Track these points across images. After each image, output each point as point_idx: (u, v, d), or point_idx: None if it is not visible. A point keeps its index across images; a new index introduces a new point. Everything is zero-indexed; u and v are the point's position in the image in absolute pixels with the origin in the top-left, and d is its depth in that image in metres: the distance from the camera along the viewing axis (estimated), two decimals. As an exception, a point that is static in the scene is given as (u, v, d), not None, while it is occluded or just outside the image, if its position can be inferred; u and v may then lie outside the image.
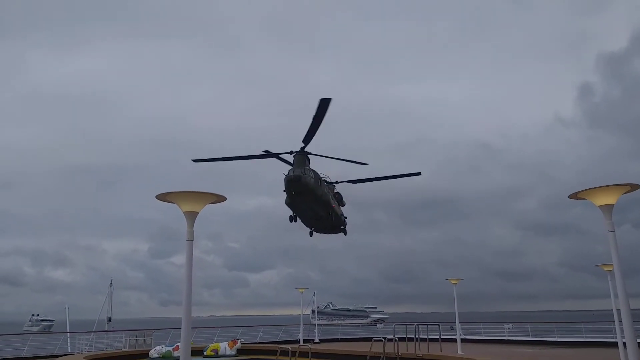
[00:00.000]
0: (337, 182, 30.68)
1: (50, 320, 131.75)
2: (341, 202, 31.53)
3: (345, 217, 31.80)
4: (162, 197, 10.34)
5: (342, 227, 31.27)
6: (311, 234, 30.57)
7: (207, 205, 11.59)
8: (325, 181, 29.05)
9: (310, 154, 25.82)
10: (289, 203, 25.44)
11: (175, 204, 10.60)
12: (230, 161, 26.19)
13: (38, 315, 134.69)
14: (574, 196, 8.43)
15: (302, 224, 29.14)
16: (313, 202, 25.44)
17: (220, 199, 10.52)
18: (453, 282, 24.63)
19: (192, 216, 10.37)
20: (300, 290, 33.66)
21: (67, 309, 56.90)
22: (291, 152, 25.08)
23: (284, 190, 24.18)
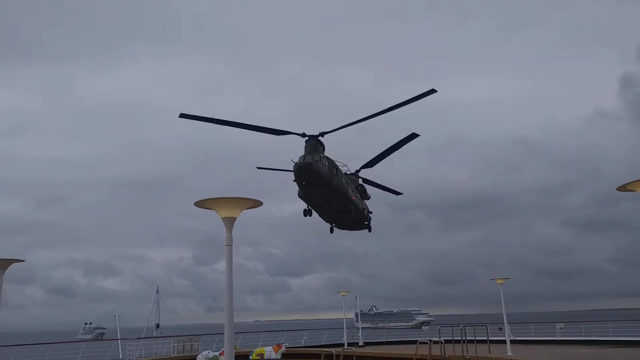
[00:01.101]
0: (357, 172, 28.31)
1: (102, 328, 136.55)
2: (365, 195, 29.19)
3: (370, 212, 29.50)
4: (201, 204, 10.48)
5: (365, 222, 28.79)
6: (332, 230, 28.54)
7: (246, 211, 11.74)
8: (345, 174, 26.30)
9: (326, 132, 23.03)
10: (301, 195, 23.38)
11: (214, 211, 10.75)
12: (244, 130, 22.98)
13: (91, 323, 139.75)
14: (623, 188, 8.09)
15: (323, 220, 26.74)
16: (328, 193, 23.13)
17: (256, 204, 10.56)
18: (499, 281, 23.90)
19: (230, 222, 10.45)
20: (342, 294, 33.49)
21: (117, 317, 58.74)
22: (304, 135, 22.91)
23: (294, 180, 21.97)
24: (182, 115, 21.89)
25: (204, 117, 22.16)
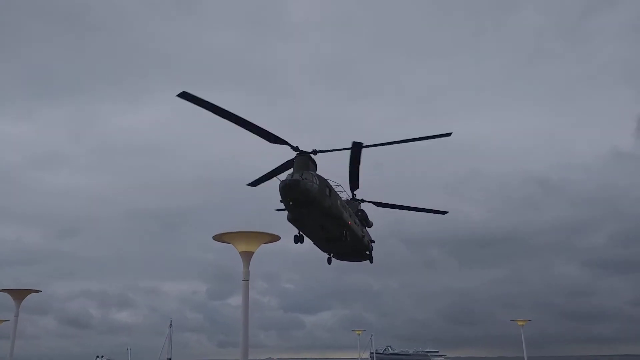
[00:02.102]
0: (362, 201, 26.94)
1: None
2: (366, 223, 26.80)
3: (373, 241, 27.46)
4: (219, 237, 10.56)
5: (366, 252, 26.44)
6: (329, 261, 25.64)
7: (262, 245, 11.78)
8: (347, 200, 24.42)
9: (320, 151, 20.99)
10: (290, 219, 20.72)
11: (230, 245, 10.74)
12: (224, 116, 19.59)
13: (102, 356, 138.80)
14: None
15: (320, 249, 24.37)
16: (320, 216, 20.61)
17: (274, 238, 10.57)
18: (520, 323, 23.28)
19: (247, 256, 10.49)
20: (358, 333, 33.04)
21: (129, 350, 58.46)
22: (296, 150, 20.57)
23: (281, 201, 19.60)
24: (182, 95, 18.85)
25: (204, 101, 19.24)
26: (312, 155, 21.12)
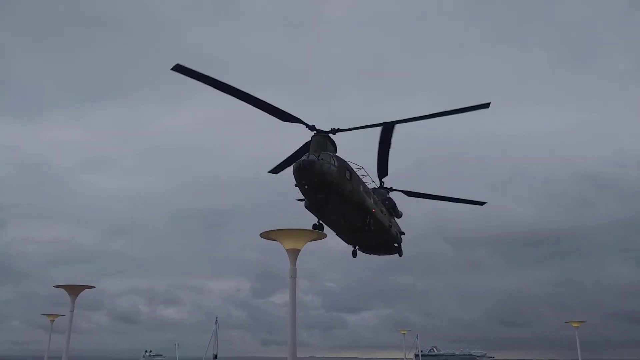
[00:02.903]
0: (391, 189, 24.97)
1: (161, 356, 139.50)
2: (394, 212, 24.39)
3: (402, 233, 25.15)
4: (266, 235, 10.58)
5: (394, 244, 24.14)
6: (354, 254, 23.92)
7: (307, 243, 11.76)
8: (373, 189, 22.61)
9: (339, 130, 18.88)
10: (308, 205, 19.08)
11: (278, 242, 10.75)
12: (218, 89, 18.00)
13: (151, 351, 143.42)
14: None
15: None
16: (340, 202, 18.53)
17: (320, 236, 10.51)
18: (574, 325, 22.23)
19: (294, 254, 10.41)
20: (403, 332, 32.54)
21: (177, 345, 60.01)
22: (313, 129, 18.74)
23: (295, 185, 17.85)
24: (177, 68, 17.43)
25: (199, 73, 17.77)
26: (330, 135, 19.22)
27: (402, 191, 25.15)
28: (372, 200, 20.98)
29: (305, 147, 19.92)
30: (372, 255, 24.95)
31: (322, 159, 17.55)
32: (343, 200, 18.57)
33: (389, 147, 21.21)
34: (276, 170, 22.40)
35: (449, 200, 25.76)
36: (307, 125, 18.91)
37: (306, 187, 17.54)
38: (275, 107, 17.84)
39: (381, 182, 24.39)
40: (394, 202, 24.43)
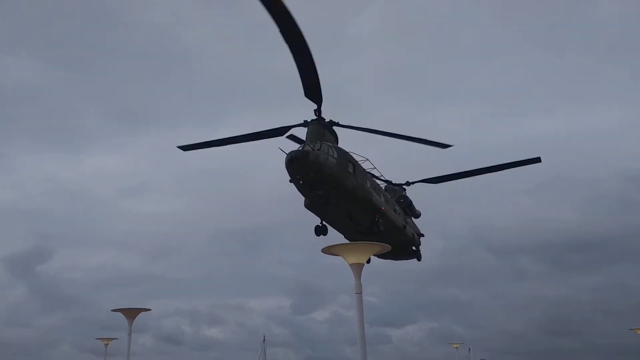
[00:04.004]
0: (407, 184, 22.83)
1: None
2: (411, 212, 22.42)
3: (421, 235, 23.10)
4: (328, 250, 10.49)
5: (412, 247, 22.04)
6: (368, 260, 20.64)
7: (339, 257, 11.59)
8: (386, 186, 21.01)
9: (338, 124, 17.19)
10: (307, 204, 16.98)
11: (318, 258, 10.71)
12: (223, 145, 18.64)
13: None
14: None
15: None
16: (343, 200, 16.43)
17: (384, 248, 10.31)
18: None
19: (358, 268, 10.23)
20: (455, 346, 31.74)
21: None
22: (305, 123, 16.98)
23: (290, 181, 15.70)
24: (183, 148, 18.92)
25: (203, 143, 18.71)
26: (328, 122, 17.28)
27: (423, 180, 22.74)
28: (381, 197, 19.03)
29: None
30: (388, 260, 23.08)
31: (318, 150, 15.36)
32: (346, 197, 16.37)
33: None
34: (185, 148, 19.86)
35: (499, 169, 22.34)
36: (318, 109, 16.93)
37: (301, 182, 15.25)
38: (267, 130, 17.05)
39: (388, 181, 22.49)
40: (410, 201, 22.39)
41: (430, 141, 18.92)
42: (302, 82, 14.94)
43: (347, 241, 18.40)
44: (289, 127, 17.31)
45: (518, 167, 21.49)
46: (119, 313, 22.26)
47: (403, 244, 20.92)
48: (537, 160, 21.03)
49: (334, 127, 17.38)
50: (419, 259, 22.71)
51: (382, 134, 17.73)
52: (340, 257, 11.06)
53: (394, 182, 22.54)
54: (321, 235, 17.43)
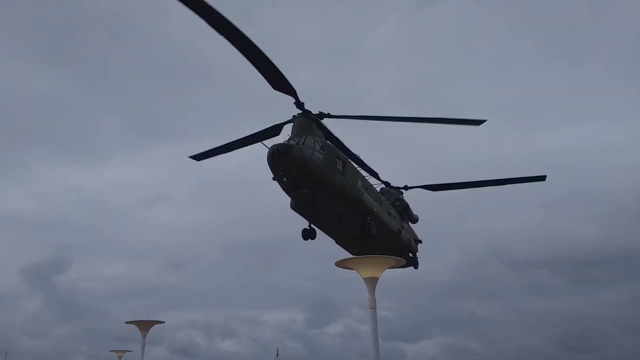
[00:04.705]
0: (406, 188, 21.93)
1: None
2: (408, 217, 21.46)
3: (418, 241, 22.08)
4: (341, 264, 10.39)
5: (408, 253, 20.70)
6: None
7: (352, 271, 11.36)
8: (385, 188, 20.23)
9: (329, 115, 15.98)
10: (293, 205, 15.87)
11: (333, 271, 10.62)
12: (233, 150, 17.91)
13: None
14: None
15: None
16: (329, 199, 15.09)
17: (398, 262, 10.17)
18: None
19: (372, 282, 10.05)
20: (473, 362, 31.06)
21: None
22: (301, 107, 15.83)
23: (273, 179, 14.53)
24: (196, 158, 18.83)
25: (214, 150, 18.28)
26: (318, 118, 16.06)
27: (423, 187, 21.76)
28: (374, 197, 17.75)
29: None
30: (346, 253, 21.97)
31: (302, 144, 14.16)
32: (334, 196, 15.01)
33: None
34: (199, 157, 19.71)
35: (500, 183, 21.81)
36: (297, 101, 15.64)
37: (285, 179, 14.09)
38: (277, 69, 14.38)
39: (387, 183, 21.29)
40: (406, 204, 21.22)
41: (459, 119, 17.62)
42: (264, 76, 14.18)
43: (339, 247, 18.17)
44: (281, 125, 16.13)
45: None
46: (133, 325, 22.36)
47: (398, 250, 19.43)
48: (542, 178, 20.95)
49: (328, 121, 16.29)
50: (415, 267, 21.58)
51: (382, 119, 16.74)
52: (354, 270, 10.96)
53: (392, 184, 21.77)
54: (309, 240, 16.36)
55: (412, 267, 21.63)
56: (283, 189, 14.87)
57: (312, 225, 16.38)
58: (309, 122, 15.33)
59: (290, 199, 15.60)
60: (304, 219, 16.40)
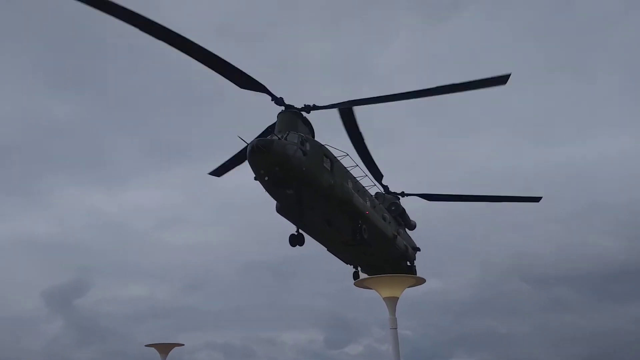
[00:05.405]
0: (403, 194, 21.02)
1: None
2: (405, 222, 20.46)
3: (417, 249, 20.78)
4: (360, 283, 10.33)
5: (405, 262, 19.54)
6: (356, 276, 19.02)
7: (371, 290, 11.06)
8: (377, 194, 19.28)
9: (315, 107, 14.89)
10: (279, 208, 14.88)
11: (351, 290, 10.50)
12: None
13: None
14: None
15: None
16: (315, 199, 14.01)
17: (419, 281, 10.04)
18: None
19: (392, 302, 9.93)
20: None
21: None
22: (281, 103, 14.73)
23: (255, 179, 13.59)
24: (215, 174, 17.86)
25: (227, 163, 17.06)
26: (304, 113, 14.93)
27: (420, 195, 20.79)
28: (367, 200, 16.61)
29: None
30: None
31: (285, 139, 13.13)
32: (321, 198, 13.87)
33: (361, 135, 16.92)
34: (219, 172, 18.85)
35: (493, 200, 21.53)
36: (274, 98, 14.52)
37: (266, 178, 13.00)
38: (238, 69, 13.80)
39: (385, 187, 20.44)
40: (402, 209, 19.96)
41: (480, 81, 15.29)
42: (223, 75, 13.73)
43: (330, 254, 17.55)
44: (259, 85, 14.48)
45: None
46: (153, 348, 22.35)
47: (394, 257, 18.37)
48: (537, 199, 21.30)
49: (308, 115, 15.16)
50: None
51: (379, 101, 15.13)
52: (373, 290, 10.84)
53: (389, 189, 21.09)
54: (296, 246, 15.13)
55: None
56: (266, 190, 13.79)
57: (300, 231, 15.28)
58: (293, 117, 14.38)
59: (275, 202, 14.66)
60: (292, 224, 15.39)
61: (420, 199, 21.58)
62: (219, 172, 18.97)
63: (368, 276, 18.70)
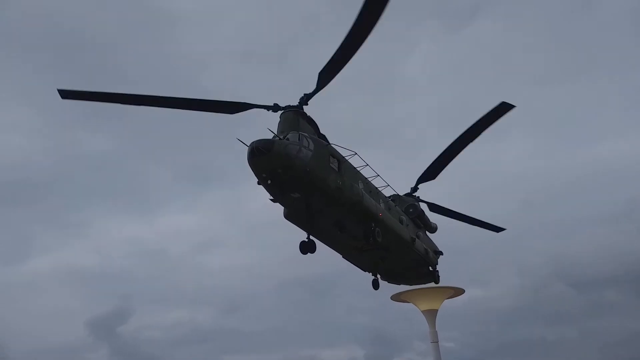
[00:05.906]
0: (418, 199, 19.88)
1: None
2: (425, 225, 19.28)
3: (439, 252, 19.54)
4: (397, 297, 10.00)
5: (427, 267, 18.37)
6: (375, 285, 17.91)
7: (407, 304, 10.69)
8: (396, 195, 18.51)
9: (310, 95, 14.09)
10: (287, 214, 14.16)
11: (392, 303, 10.12)
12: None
13: None
14: None
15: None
16: (324, 203, 13.26)
17: (457, 292, 9.57)
18: None
19: (431, 315, 9.59)
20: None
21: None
22: (276, 109, 14.08)
23: (258, 183, 12.63)
24: (63, 94, 14.72)
25: (88, 93, 14.88)
26: (301, 104, 14.08)
27: (427, 203, 19.67)
28: (380, 202, 15.61)
29: None
30: (402, 286, 19.46)
31: (287, 139, 12.39)
32: (329, 200, 13.09)
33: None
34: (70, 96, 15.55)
35: (467, 222, 20.79)
36: (269, 108, 14.00)
37: (268, 181, 12.23)
38: (219, 101, 13.67)
39: (415, 189, 19.47)
40: (421, 210, 18.83)
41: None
42: (210, 111, 14.24)
43: (349, 263, 16.95)
44: (247, 105, 14.19)
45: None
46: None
47: (415, 261, 17.26)
48: (501, 229, 20.67)
49: (307, 108, 14.40)
50: (436, 282, 18.74)
51: None
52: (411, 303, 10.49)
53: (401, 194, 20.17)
54: (307, 253, 14.30)
55: (433, 282, 19.19)
56: (270, 194, 13.01)
57: (311, 237, 14.45)
58: (294, 117, 13.61)
59: (283, 207, 13.94)
60: (302, 230, 14.58)
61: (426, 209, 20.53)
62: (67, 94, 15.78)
63: (388, 282, 18.59)
